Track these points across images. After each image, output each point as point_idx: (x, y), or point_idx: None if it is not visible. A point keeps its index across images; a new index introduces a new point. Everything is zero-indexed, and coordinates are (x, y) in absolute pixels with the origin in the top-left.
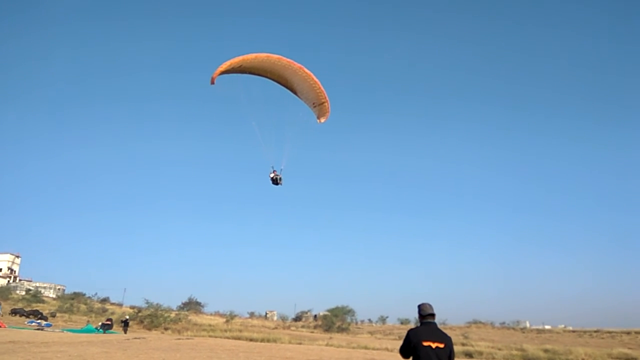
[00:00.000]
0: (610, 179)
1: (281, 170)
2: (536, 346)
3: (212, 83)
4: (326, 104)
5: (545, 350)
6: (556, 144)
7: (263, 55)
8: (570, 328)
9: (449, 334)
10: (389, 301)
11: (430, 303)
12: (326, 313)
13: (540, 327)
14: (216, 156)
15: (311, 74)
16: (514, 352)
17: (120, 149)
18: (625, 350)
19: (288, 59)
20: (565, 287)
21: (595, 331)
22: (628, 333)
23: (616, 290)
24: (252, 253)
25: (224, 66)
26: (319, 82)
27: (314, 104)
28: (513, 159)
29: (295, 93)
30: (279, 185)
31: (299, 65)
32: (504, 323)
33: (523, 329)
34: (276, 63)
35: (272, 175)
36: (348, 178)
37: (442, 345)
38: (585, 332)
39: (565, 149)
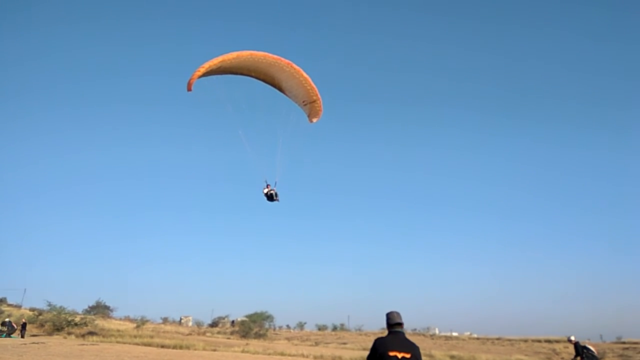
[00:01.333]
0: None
1: (275, 184)
2: (444, 352)
3: (189, 90)
4: (318, 102)
5: (452, 357)
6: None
7: (246, 53)
8: (475, 335)
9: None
10: (308, 307)
11: (398, 311)
12: (244, 319)
13: (448, 333)
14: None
15: (301, 70)
16: (423, 359)
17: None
18: (522, 357)
19: (275, 56)
20: (472, 294)
21: (497, 339)
22: (525, 341)
23: (517, 299)
24: (168, 255)
25: (202, 69)
26: (309, 79)
27: (304, 102)
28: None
29: (283, 92)
30: (276, 202)
31: (288, 61)
32: (415, 329)
33: (432, 336)
34: (261, 61)
35: (265, 190)
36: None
37: (408, 355)
38: (488, 339)
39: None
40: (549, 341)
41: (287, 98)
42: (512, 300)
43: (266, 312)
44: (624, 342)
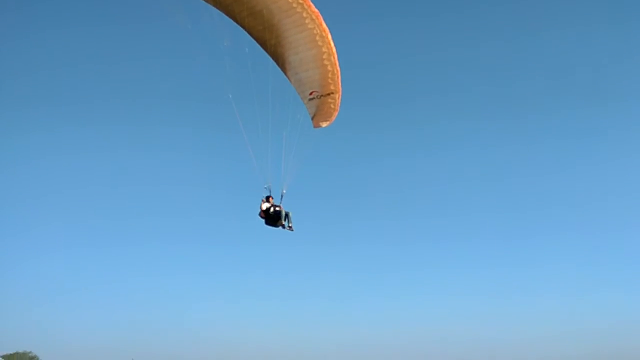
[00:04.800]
0: None
1: (282, 197)
2: None
3: None
4: (336, 95)
5: None
6: None
7: None
8: None
9: None
10: None
11: None
12: None
13: None
14: None
15: (329, 35)
16: None
17: None
18: None
19: None
20: None
21: None
22: None
23: None
24: None
25: None
26: (335, 54)
27: (313, 93)
28: None
29: (284, 65)
30: (288, 230)
31: (314, 9)
32: None
33: None
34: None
35: (265, 207)
36: None
37: None
38: None
39: None
40: None
41: (287, 80)
42: None
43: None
44: None
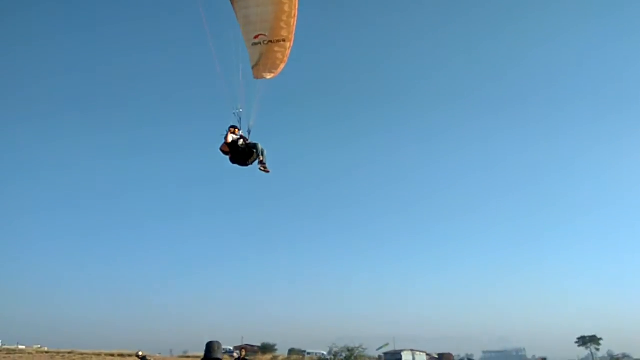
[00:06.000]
0: None
1: (249, 131)
2: None
3: None
4: (287, 44)
5: None
6: None
7: None
8: (46, 348)
9: None
10: None
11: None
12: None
13: (14, 346)
14: None
15: None
16: None
17: None
18: None
19: None
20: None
21: (69, 352)
22: (99, 354)
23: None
24: None
25: None
26: None
27: (259, 36)
28: None
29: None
30: (262, 171)
31: None
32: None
33: None
34: None
35: (230, 138)
36: None
37: None
38: (59, 352)
39: None
40: (122, 355)
41: (234, 15)
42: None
43: None
44: (188, 357)
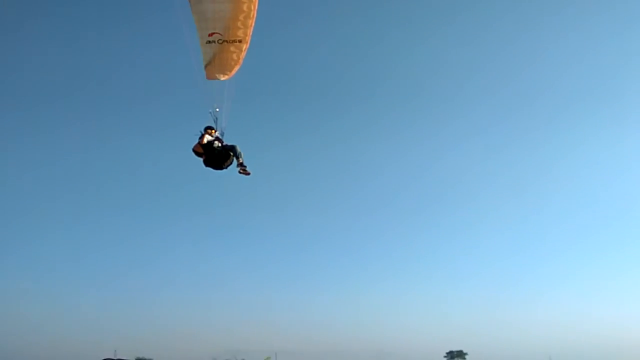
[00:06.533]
0: None
1: (222, 134)
2: None
3: None
4: (244, 46)
5: None
6: None
7: None
8: None
9: None
10: None
11: None
12: None
13: None
14: None
15: None
16: None
17: None
18: None
19: None
20: None
21: None
22: None
23: None
24: None
25: None
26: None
27: (214, 34)
28: None
29: None
30: (242, 173)
31: None
32: None
33: None
34: None
35: (206, 139)
36: None
37: None
38: None
39: None
40: None
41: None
42: None
43: None
44: None
